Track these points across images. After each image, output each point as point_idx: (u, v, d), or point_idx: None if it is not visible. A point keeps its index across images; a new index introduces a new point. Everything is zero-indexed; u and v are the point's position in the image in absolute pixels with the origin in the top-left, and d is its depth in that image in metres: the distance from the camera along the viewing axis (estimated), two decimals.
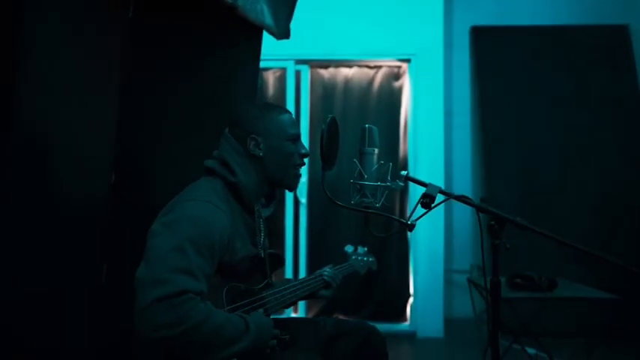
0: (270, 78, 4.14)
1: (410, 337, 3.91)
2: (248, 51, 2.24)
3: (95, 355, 1.69)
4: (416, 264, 3.98)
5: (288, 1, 2.29)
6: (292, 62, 4.03)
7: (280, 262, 1.71)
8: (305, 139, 3.57)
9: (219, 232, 1.33)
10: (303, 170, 1.59)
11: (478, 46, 4.42)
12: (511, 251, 1.28)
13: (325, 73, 4.17)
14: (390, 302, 4.04)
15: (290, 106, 3.98)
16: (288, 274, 3.87)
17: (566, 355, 3.07)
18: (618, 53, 4.29)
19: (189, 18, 1.94)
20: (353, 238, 3.44)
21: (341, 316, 3.97)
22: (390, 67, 4.18)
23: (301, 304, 3.91)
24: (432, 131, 3.99)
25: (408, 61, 4.09)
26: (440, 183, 1.53)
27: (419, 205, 1.33)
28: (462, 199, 1.37)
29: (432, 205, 1.32)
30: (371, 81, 4.16)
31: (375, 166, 1.39)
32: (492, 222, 1.31)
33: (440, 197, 1.36)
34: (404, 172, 1.39)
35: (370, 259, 2.16)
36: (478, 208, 1.35)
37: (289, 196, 3.99)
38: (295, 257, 4.01)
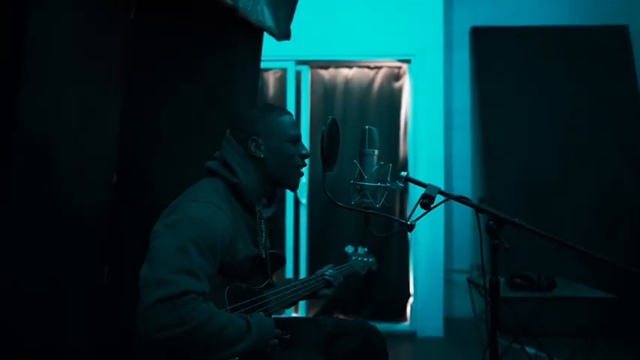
0: (271, 78, 4.14)
1: (410, 336, 3.91)
2: (248, 51, 2.25)
3: (95, 355, 1.69)
4: (416, 264, 3.98)
5: (289, 2, 2.29)
6: (293, 63, 4.03)
7: (281, 262, 1.72)
8: (305, 140, 3.57)
9: (221, 232, 1.34)
10: (304, 171, 1.60)
11: (478, 46, 4.41)
12: (510, 251, 1.29)
13: (325, 73, 4.17)
14: (390, 302, 4.05)
15: (290, 106, 3.99)
16: (289, 274, 3.88)
17: (565, 354, 3.07)
18: (618, 54, 4.29)
19: (190, 18, 1.94)
20: (353, 239, 3.44)
21: (341, 316, 3.98)
22: (390, 67, 4.18)
23: (302, 303, 3.92)
24: (431, 131, 3.99)
25: (408, 61, 4.09)
26: (440, 183, 1.53)
27: (418, 206, 1.34)
28: (460, 199, 1.38)
29: (432, 205, 1.33)
30: (371, 81, 4.17)
31: (375, 167, 1.39)
32: (491, 222, 1.31)
33: (439, 198, 1.36)
34: (404, 173, 1.41)
35: (370, 259, 2.17)
36: (477, 209, 1.36)
37: (290, 197, 3.99)
38: (296, 257, 4.01)
